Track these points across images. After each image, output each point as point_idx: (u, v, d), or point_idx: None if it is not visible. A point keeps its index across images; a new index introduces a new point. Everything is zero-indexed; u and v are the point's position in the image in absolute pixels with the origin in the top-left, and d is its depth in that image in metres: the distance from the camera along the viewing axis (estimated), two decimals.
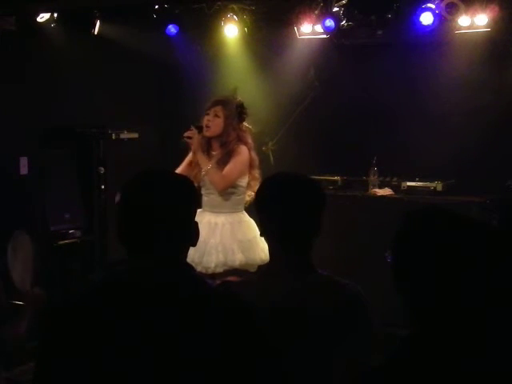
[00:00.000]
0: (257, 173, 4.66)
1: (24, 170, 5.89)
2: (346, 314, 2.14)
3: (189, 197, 1.90)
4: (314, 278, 2.22)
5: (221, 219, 4.53)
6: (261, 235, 2.30)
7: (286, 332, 2.07)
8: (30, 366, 4.53)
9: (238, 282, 2.47)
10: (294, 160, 6.22)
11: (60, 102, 6.04)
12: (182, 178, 2.00)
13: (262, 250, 4.58)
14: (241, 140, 4.59)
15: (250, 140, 4.65)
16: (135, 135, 6.23)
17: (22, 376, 4.51)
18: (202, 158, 4.53)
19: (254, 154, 4.66)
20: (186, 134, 4.57)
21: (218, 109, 4.53)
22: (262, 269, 2.33)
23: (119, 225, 1.83)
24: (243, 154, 4.55)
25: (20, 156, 5.86)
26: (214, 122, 4.53)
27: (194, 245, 1.88)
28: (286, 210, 2.21)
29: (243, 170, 4.59)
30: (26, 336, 2.74)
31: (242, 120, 4.62)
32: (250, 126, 4.73)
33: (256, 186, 4.63)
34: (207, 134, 4.55)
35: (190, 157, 4.67)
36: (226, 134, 4.52)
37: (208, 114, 4.55)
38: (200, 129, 4.55)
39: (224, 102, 4.58)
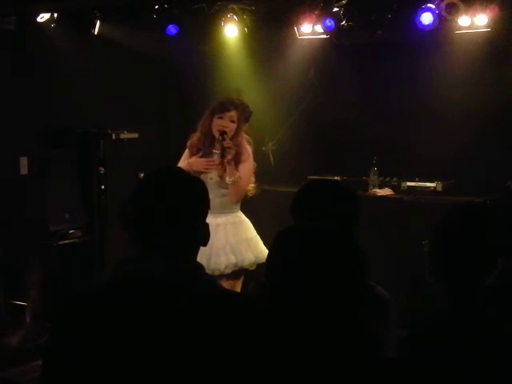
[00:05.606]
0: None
1: (24, 169, 5.90)
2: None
3: (201, 197, 1.91)
4: None
5: (222, 220, 4.49)
6: None
7: None
8: (30, 366, 4.54)
9: None
10: (294, 160, 6.23)
11: (60, 102, 6.05)
12: (194, 178, 2.02)
13: (265, 248, 4.59)
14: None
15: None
16: (135, 135, 6.22)
17: (22, 376, 4.51)
18: (231, 169, 4.42)
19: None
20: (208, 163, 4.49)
21: (234, 114, 4.44)
22: None
23: (130, 223, 1.84)
24: (249, 157, 4.53)
25: (20, 156, 5.86)
26: (230, 128, 4.44)
27: (205, 245, 1.91)
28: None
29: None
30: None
31: (248, 122, 4.59)
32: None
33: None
34: (229, 143, 4.43)
35: (187, 157, 4.59)
36: (236, 138, 4.47)
37: (221, 118, 4.44)
38: (224, 134, 4.43)
39: (238, 107, 4.48)
